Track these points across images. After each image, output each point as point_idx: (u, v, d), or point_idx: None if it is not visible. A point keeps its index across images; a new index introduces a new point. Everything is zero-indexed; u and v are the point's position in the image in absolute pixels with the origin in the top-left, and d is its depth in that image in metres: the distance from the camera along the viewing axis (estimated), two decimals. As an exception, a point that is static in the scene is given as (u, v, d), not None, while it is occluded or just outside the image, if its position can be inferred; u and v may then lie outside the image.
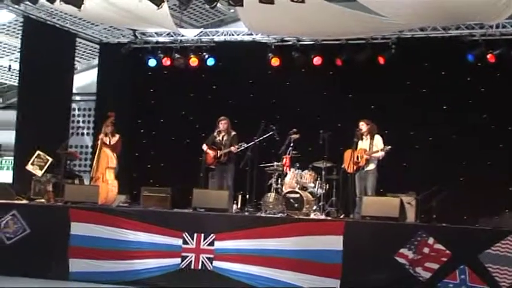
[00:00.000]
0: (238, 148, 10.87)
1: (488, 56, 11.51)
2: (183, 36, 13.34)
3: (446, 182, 10.16)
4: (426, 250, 8.08)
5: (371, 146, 10.37)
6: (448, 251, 8.02)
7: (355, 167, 10.33)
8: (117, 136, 11.44)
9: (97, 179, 11.07)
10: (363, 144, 10.47)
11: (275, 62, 12.82)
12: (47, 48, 12.54)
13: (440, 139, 11.96)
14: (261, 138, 10.82)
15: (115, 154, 11.28)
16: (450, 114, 11.99)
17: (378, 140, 10.41)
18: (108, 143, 11.34)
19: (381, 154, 10.28)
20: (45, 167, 11.09)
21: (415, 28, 11.94)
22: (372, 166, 10.35)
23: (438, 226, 8.71)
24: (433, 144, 12.03)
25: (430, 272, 8.03)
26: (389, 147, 10.19)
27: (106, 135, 11.36)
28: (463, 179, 11.66)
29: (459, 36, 11.91)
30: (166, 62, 13.44)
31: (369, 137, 10.45)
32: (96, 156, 11.34)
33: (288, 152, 10.94)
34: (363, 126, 10.48)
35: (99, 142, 11.37)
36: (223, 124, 11.17)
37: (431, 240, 8.09)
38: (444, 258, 8.02)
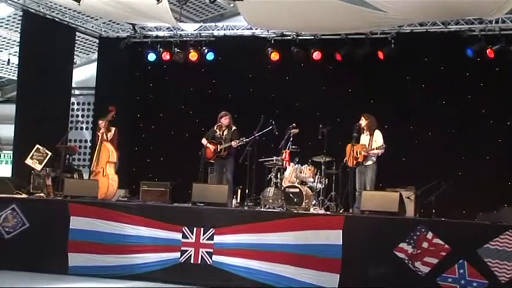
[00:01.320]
0: (238, 143, 10.87)
1: (488, 51, 11.49)
2: (182, 30, 13.32)
3: (445, 176, 10.12)
4: (425, 245, 8.10)
5: (370, 141, 10.36)
6: (447, 246, 8.04)
7: (354, 162, 10.34)
8: (112, 129, 11.44)
9: (97, 173, 11.06)
10: (363, 139, 10.47)
11: (274, 56, 12.79)
12: (46, 42, 12.53)
13: (439, 134, 11.98)
14: (260, 133, 10.82)
15: (115, 149, 11.28)
16: (449, 109, 11.99)
17: (378, 135, 10.39)
18: (106, 137, 11.34)
19: (378, 151, 10.26)
20: (45, 161, 11.07)
21: (414, 23, 11.93)
22: (371, 161, 10.35)
23: (437, 221, 8.73)
24: (433, 138, 12.04)
25: (429, 267, 8.06)
26: (384, 146, 10.14)
27: (106, 129, 11.38)
28: (462, 173, 11.66)
29: (458, 31, 11.89)
30: (166, 56, 13.39)
31: (368, 132, 10.45)
32: (96, 151, 11.32)
33: (287, 147, 10.94)
34: (362, 120, 10.48)
35: (99, 137, 11.36)
36: (225, 119, 11.14)
37: (430, 235, 8.11)
38: (443, 253, 8.04)
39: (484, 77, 11.93)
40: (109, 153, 11.16)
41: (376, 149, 10.21)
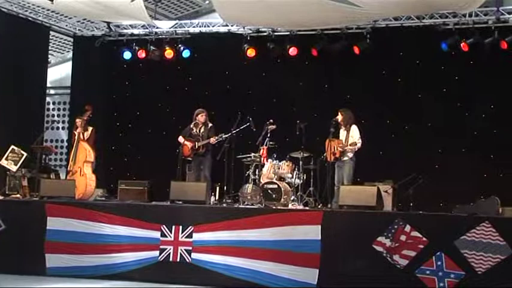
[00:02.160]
0: (217, 139, 10.85)
1: (462, 44, 11.60)
2: (157, 28, 13.23)
3: (422, 170, 10.22)
4: (403, 238, 8.15)
5: (347, 137, 10.39)
6: (424, 238, 8.09)
7: (332, 157, 10.37)
8: (89, 129, 11.37)
9: (74, 173, 10.99)
10: (342, 134, 10.50)
11: (251, 53, 12.78)
12: (19, 42, 12.41)
13: (415, 127, 12.05)
14: (237, 130, 10.81)
15: (92, 148, 11.20)
16: (425, 103, 12.06)
17: (354, 131, 10.39)
18: (83, 137, 11.26)
19: (352, 148, 10.27)
20: (20, 162, 10.97)
21: (389, 17, 11.98)
22: (347, 157, 10.36)
23: (415, 214, 8.80)
24: (409, 132, 12.11)
25: (407, 260, 8.10)
26: (358, 143, 10.18)
27: (83, 129, 11.29)
28: (439, 166, 11.75)
29: (433, 25, 11.99)
30: (142, 54, 13.32)
31: (345, 127, 10.47)
32: (73, 150, 11.25)
33: (265, 143, 10.96)
34: (339, 116, 10.50)
35: (76, 136, 11.28)
36: (201, 117, 11.13)
37: (408, 228, 8.16)
38: (421, 246, 8.09)
39: (458, 71, 12.03)
40: (86, 152, 11.10)
41: (350, 145, 10.23)
